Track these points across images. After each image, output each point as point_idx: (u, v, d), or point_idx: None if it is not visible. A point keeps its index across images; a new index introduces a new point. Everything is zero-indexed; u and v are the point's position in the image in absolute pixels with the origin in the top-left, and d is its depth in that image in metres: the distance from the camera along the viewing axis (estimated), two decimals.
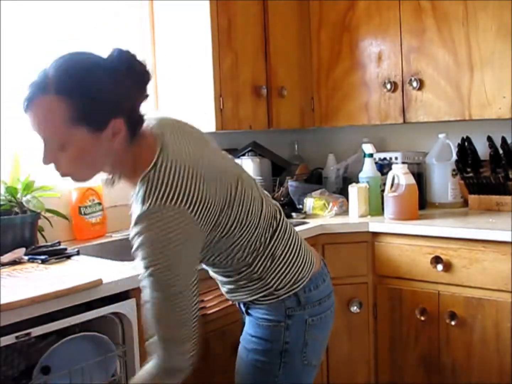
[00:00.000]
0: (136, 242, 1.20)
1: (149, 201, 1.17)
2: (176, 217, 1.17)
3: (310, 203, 2.53)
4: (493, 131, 2.42)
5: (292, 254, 1.42)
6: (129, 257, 2.05)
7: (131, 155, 1.25)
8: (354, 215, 2.40)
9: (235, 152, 2.74)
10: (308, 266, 1.44)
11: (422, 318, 2.19)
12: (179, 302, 1.21)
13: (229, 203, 1.30)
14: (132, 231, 1.20)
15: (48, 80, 1.17)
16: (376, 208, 2.43)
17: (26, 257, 1.73)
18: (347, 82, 2.67)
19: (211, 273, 1.50)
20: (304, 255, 1.45)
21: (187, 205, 1.19)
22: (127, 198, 2.38)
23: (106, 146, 1.21)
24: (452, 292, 2.12)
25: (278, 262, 1.40)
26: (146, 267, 1.20)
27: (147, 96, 1.27)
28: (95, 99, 1.17)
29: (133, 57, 1.23)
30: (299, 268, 1.42)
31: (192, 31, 2.36)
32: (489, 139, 2.40)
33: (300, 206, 2.58)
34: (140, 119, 1.26)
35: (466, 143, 2.47)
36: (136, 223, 1.19)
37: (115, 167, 1.28)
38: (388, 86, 2.53)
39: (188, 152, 1.26)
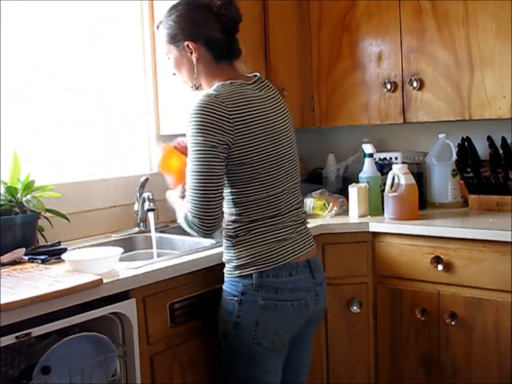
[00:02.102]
0: None
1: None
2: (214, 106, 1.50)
3: (310, 203, 2.53)
4: (493, 131, 2.42)
5: (265, 240, 1.59)
6: (129, 257, 2.06)
7: (216, 73, 1.63)
8: (354, 215, 2.40)
9: None
10: (275, 256, 1.59)
11: (422, 318, 2.19)
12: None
13: (261, 150, 1.55)
14: None
15: None
16: (376, 208, 2.43)
17: (26, 257, 1.73)
18: (347, 82, 2.67)
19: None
20: (277, 246, 1.60)
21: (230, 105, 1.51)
22: (126, 199, 2.39)
23: (188, 61, 1.63)
24: (452, 292, 2.12)
25: (250, 237, 1.58)
26: None
27: (229, 32, 1.62)
28: (175, 27, 1.62)
29: (224, 3, 1.59)
30: (262, 254, 1.58)
31: None
32: (489, 139, 2.40)
33: None
34: (225, 48, 1.63)
35: (466, 143, 2.46)
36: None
37: (201, 78, 1.66)
38: (388, 86, 2.53)
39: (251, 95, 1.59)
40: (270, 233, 1.59)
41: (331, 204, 2.49)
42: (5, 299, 1.28)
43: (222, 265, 1.69)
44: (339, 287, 2.28)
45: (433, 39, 2.40)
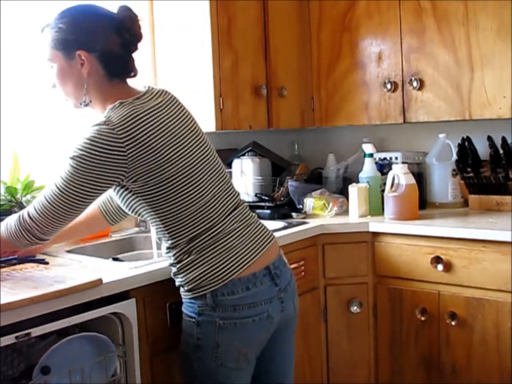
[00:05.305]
0: None
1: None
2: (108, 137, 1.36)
3: (310, 203, 2.53)
4: (493, 131, 2.42)
5: (209, 256, 1.46)
6: (129, 257, 2.06)
7: (107, 91, 1.48)
8: (354, 215, 2.40)
9: (235, 152, 2.74)
10: (227, 270, 1.45)
11: (422, 318, 2.18)
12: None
13: (175, 168, 1.42)
14: None
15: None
16: (376, 208, 2.43)
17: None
18: (347, 82, 2.67)
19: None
20: (226, 258, 1.46)
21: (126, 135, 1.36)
22: None
23: (77, 73, 1.46)
24: (452, 292, 2.12)
25: (193, 258, 1.46)
26: None
27: (129, 48, 1.49)
28: (66, 32, 1.43)
29: (130, 17, 1.47)
30: (211, 272, 1.45)
31: (192, 31, 2.35)
32: (489, 139, 2.40)
33: (300, 206, 2.58)
34: (121, 65, 1.49)
35: (466, 143, 2.46)
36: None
37: (91, 95, 1.48)
38: (388, 86, 2.53)
39: (154, 108, 1.45)
40: (213, 247, 1.46)
41: (331, 204, 2.49)
42: (5, 299, 1.28)
43: None
44: (339, 287, 2.28)
45: (433, 39, 2.40)
